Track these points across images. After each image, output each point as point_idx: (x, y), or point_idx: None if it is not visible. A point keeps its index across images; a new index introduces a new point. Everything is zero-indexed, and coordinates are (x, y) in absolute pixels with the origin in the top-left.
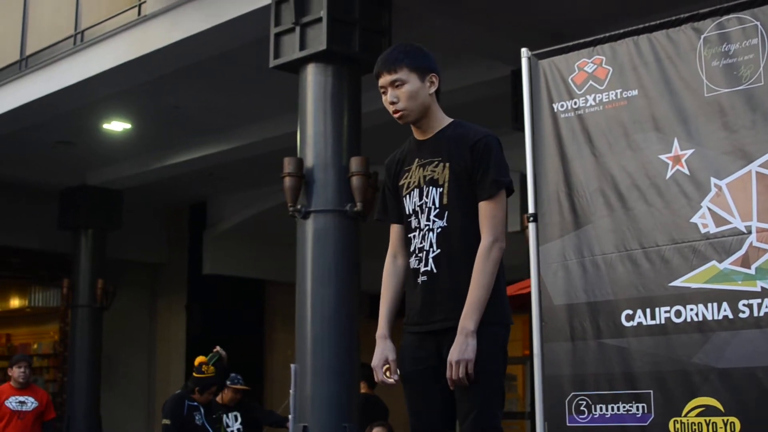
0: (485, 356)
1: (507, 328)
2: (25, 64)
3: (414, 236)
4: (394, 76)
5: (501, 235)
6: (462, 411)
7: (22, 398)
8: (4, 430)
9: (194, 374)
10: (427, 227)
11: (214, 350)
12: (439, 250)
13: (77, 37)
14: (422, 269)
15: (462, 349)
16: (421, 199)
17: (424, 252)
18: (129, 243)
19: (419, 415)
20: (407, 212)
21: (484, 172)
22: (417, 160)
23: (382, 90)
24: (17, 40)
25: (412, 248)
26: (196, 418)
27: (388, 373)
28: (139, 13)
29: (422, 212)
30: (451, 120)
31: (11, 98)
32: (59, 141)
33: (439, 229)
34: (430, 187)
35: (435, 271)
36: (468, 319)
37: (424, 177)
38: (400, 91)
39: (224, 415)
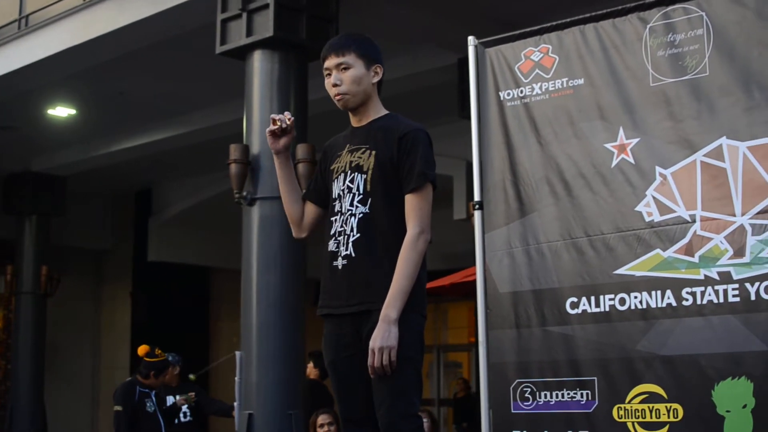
0: (402, 343)
1: (424, 318)
2: None
3: (335, 220)
4: (341, 59)
5: (427, 227)
6: (378, 398)
7: None
8: None
9: (146, 359)
10: (349, 212)
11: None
12: (359, 235)
13: (22, 21)
14: (342, 253)
15: (384, 336)
16: (344, 183)
17: (344, 236)
18: (73, 230)
19: (347, 401)
20: (333, 196)
21: (410, 164)
22: (348, 146)
23: (326, 72)
24: None
25: (332, 232)
26: (147, 405)
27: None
28: None
29: (345, 197)
30: (387, 112)
31: None
32: (3, 126)
33: (361, 215)
34: (355, 173)
35: (354, 255)
36: (391, 307)
37: (351, 163)
38: (344, 75)
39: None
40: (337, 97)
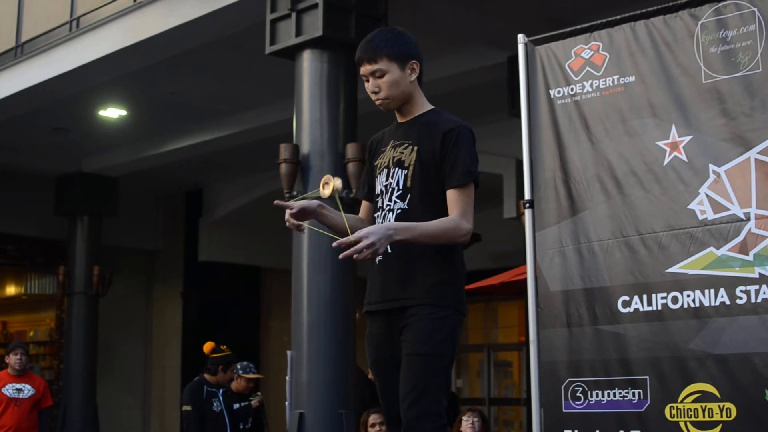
0: (433, 340)
1: (458, 315)
2: (20, 51)
3: (377, 216)
4: (374, 66)
5: (470, 220)
6: (402, 392)
7: (18, 385)
8: (0, 418)
9: (212, 356)
10: (388, 207)
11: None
12: None
13: (73, 23)
14: None
15: (376, 230)
16: (387, 179)
17: None
18: (125, 230)
19: (390, 400)
20: (376, 192)
21: (454, 161)
22: (392, 141)
23: (364, 78)
24: (13, 26)
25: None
26: (214, 404)
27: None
28: (134, 0)
29: (386, 192)
30: (432, 107)
31: (7, 85)
32: (55, 128)
33: (399, 210)
34: (396, 169)
35: (390, 251)
36: (401, 228)
37: (393, 158)
38: (381, 81)
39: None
40: (378, 103)
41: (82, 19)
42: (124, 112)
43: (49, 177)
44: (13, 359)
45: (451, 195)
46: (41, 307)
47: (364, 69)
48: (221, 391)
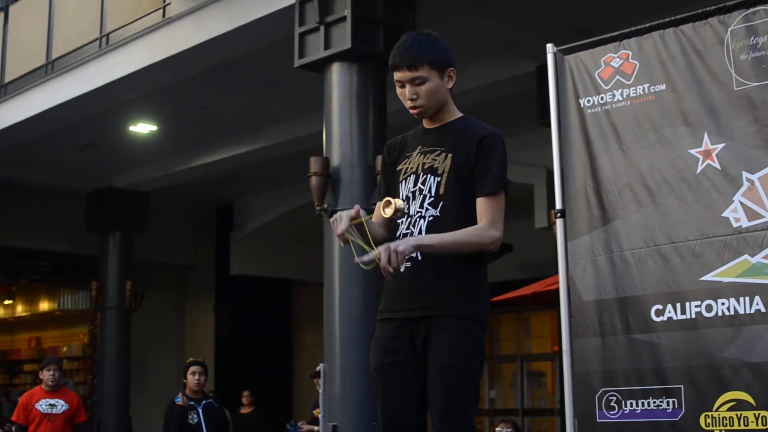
0: (460, 352)
1: (482, 326)
2: (51, 68)
3: (401, 222)
4: (414, 74)
5: (500, 231)
6: (432, 406)
7: (52, 401)
8: None
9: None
10: (418, 214)
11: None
12: None
13: (102, 40)
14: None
15: (396, 243)
16: (415, 185)
17: None
18: (156, 245)
19: (391, 408)
20: (400, 198)
21: (486, 168)
22: (420, 147)
23: (398, 83)
24: (43, 44)
25: (397, 234)
26: (190, 416)
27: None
28: (163, 15)
29: (414, 199)
30: (461, 114)
31: (38, 102)
32: (86, 144)
33: (431, 218)
34: (428, 175)
35: (420, 258)
36: (422, 239)
37: (423, 164)
38: (420, 89)
39: None
40: (414, 111)
41: (111, 35)
42: (154, 128)
43: (80, 193)
44: (46, 375)
45: (481, 203)
46: (74, 323)
47: (402, 75)
48: (203, 403)
